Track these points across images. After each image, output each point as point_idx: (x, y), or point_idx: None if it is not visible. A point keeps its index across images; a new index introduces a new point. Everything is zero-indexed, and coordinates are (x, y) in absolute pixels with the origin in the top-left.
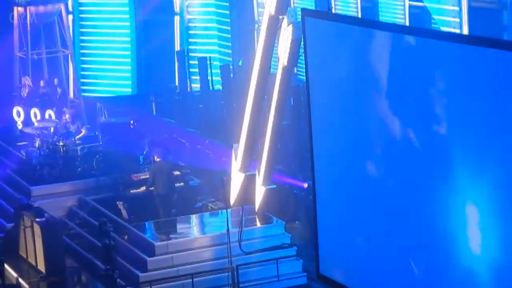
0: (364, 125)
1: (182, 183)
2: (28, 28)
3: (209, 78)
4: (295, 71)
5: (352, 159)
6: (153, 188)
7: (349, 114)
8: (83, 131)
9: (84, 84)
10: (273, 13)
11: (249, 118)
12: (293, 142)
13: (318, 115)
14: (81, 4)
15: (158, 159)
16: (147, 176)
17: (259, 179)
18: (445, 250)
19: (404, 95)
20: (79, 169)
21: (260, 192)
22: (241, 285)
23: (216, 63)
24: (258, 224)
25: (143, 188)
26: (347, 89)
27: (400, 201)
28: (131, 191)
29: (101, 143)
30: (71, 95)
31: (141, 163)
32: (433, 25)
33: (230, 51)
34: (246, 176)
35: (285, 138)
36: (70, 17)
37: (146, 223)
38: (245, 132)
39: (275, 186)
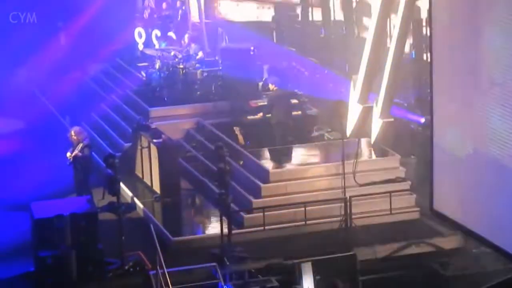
0: (487, 62)
1: (299, 112)
2: None
3: (331, 7)
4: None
5: (472, 97)
6: (270, 115)
7: (473, 50)
8: (200, 54)
9: None
10: None
11: (370, 49)
12: (413, 76)
13: (440, 50)
14: None
15: (275, 88)
16: (265, 103)
17: (377, 111)
18: None
19: None
20: (198, 92)
21: (377, 124)
22: (353, 217)
23: None
24: (374, 157)
25: (260, 115)
26: (471, 24)
27: None
28: (248, 117)
29: (220, 68)
30: (193, 19)
31: (259, 89)
32: None
33: None
34: (364, 107)
35: (405, 71)
36: None
37: (262, 149)
38: (365, 63)
39: (392, 119)
